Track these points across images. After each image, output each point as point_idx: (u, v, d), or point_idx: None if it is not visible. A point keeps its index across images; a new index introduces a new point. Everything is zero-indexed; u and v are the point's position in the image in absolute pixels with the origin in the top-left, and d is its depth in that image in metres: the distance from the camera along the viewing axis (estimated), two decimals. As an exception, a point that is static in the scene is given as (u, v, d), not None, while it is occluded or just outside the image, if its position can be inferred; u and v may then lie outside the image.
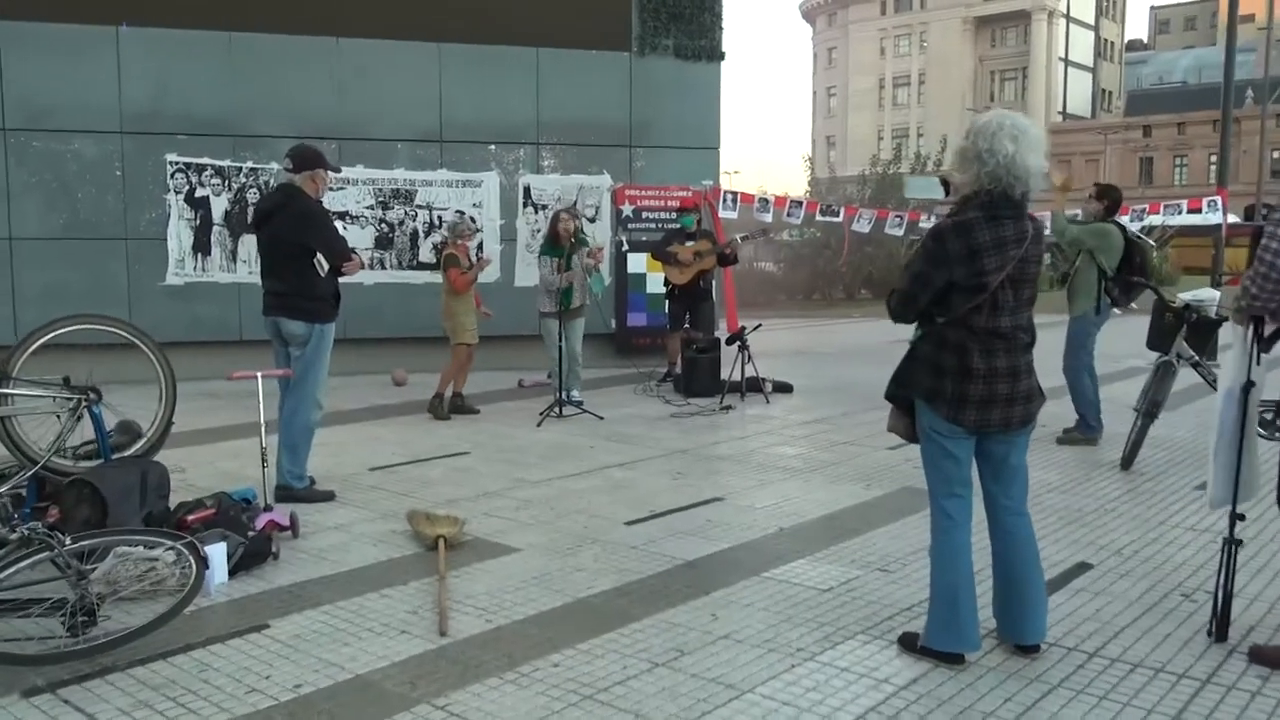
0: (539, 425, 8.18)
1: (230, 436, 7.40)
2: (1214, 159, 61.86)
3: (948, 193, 3.69)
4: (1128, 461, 6.48)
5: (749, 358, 9.56)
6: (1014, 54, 70.44)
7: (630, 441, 7.53)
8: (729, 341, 9.70)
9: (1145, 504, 5.66)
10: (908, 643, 3.60)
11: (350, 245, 5.83)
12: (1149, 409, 6.46)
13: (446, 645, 3.65)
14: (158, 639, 3.58)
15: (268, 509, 4.95)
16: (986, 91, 70.52)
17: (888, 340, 15.99)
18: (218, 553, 4.22)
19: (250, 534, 4.56)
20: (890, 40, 74.75)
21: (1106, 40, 75.37)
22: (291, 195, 5.51)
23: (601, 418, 8.45)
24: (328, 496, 5.73)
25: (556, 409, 8.52)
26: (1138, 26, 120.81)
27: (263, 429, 5.04)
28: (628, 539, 4.96)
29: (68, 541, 3.68)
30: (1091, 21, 72.55)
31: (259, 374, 5.00)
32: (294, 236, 5.44)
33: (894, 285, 3.64)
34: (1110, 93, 74.76)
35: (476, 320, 8.82)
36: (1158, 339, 6.58)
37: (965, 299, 3.34)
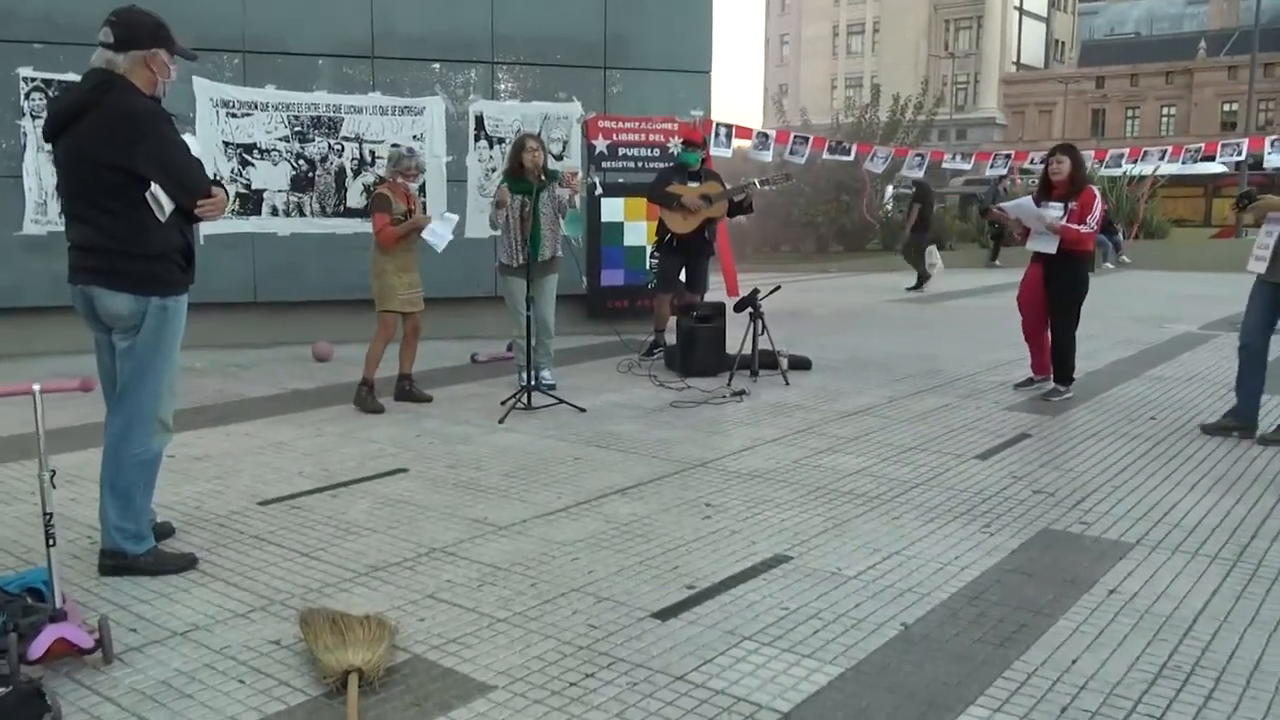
0: (501, 421, 6.19)
1: (88, 443, 5.31)
2: (1166, 111, 61.65)
3: None
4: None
5: (763, 327, 7.64)
6: (969, 2, 68.81)
7: (627, 448, 5.57)
8: (738, 308, 7.75)
9: None
10: None
11: (209, 171, 3.71)
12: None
13: None
14: None
15: (56, 616, 2.92)
16: (941, 40, 69.07)
17: (884, 300, 14.18)
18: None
19: (10, 681, 2.54)
20: (845, -15, 73.03)
21: (1061, -11, 74.30)
22: (107, 88, 3.39)
23: (583, 410, 6.48)
24: (184, 564, 3.70)
25: (523, 398, 6.53)
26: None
27: (45, 480, 3.00)
28: (666, 655, 3.02)
29: None
30: (1046, -31, 71.33)
31: (36, 387, 2.94)
32: (112, 155, 3.34)
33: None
34: (1063, 43, 73.94)
35: (418, 281, 6.73)
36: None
37: None
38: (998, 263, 20.06)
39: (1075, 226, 6.65)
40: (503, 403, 6.54)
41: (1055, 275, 6.82)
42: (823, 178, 23.75)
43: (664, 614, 3.31)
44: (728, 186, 8.34)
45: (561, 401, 6.56)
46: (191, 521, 4.28)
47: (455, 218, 6.89)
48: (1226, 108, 58.57)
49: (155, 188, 3.37)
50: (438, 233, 6.58)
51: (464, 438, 5.82)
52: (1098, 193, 6.85)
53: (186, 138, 3.57)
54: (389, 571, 3.70)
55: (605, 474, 5.03)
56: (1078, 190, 6.74)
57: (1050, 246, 6.77)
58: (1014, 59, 68.90)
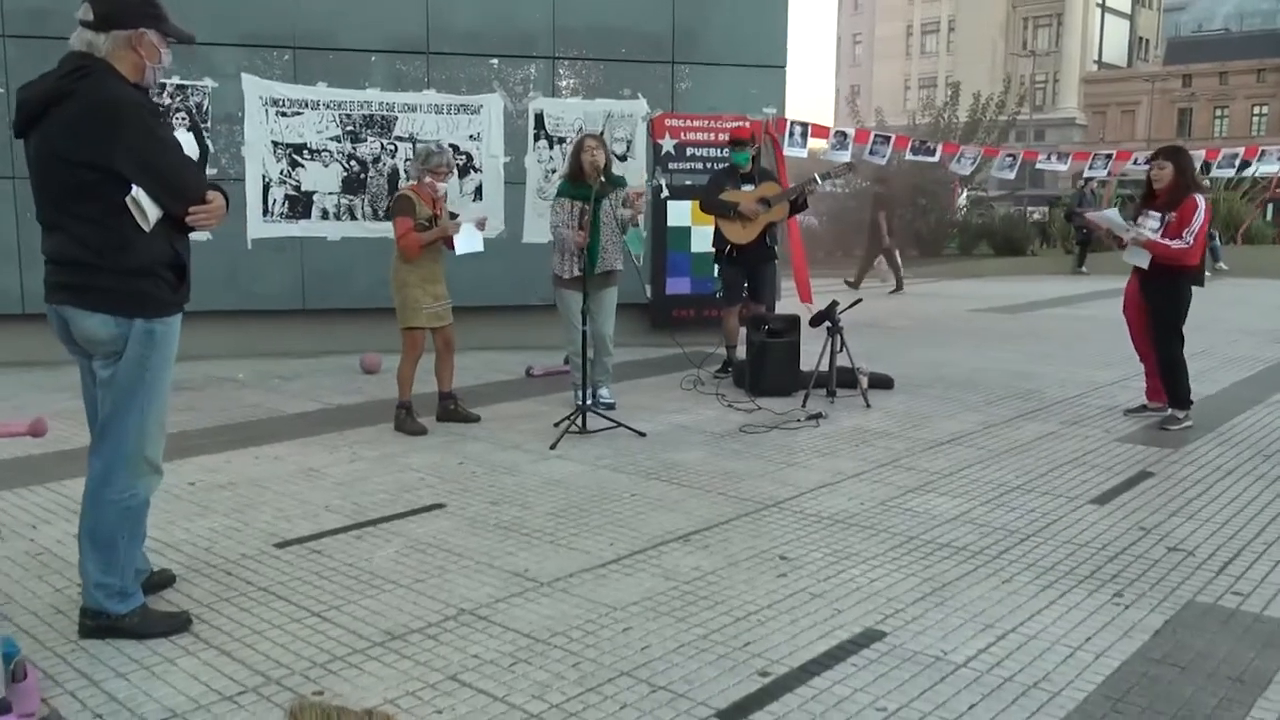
0: (553, 447, 5.64)
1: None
2: (1258, 110, 59.09)
3: None
4: None
5: (842, 343, 6.99)
6: (1049, -1, 66.90)
7: (690, 482, 4.98)
8: (814, 322, 7.10)
9: None
10: None
11: (203, 173, 3.16)
12: None
13: None
14: None
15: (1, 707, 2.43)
16: (1019, 38, 67.28)
17: (966, 309, 13.37)
18: None
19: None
20: (920, -17, 71.65)
21: (1145, -15, 72.00)
22: (83, 74, 2.90)
23: (643, 434, 5.90)
24: (175, 626, 3.19)
25: (578, 420, 5.97)
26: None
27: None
28: (735, 771, 2.43)
29: None
30: (1129, -35, 69.12)
31: (-25, 432, 2.43)
32: (86, 152, 2.85)
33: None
34: (1147, 41, 71.64)
35: (445, 293, 6.17)
36: None
37: None
38: (1084, 269, 19.04)
39: (1166, 242, 5.91)
40: (556, 425, 6.00)
41: (1151, 292, 6.15)
42: (898, 180, 22.86)
43: (732, 713, 2.71)
44: (785, 186, 7.69)
45: (619, 425, 5.99)
46: (197, 567, 3.79)
47: (483, 215, 6.34)
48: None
49: (137, 191, 2.87)
50: (469, 243, 6.05)
51: (511, 466, 5.27)
52: (1202, 203, 6.04)
53: (179, 135, 3.06)
54: (408, 640, 3.16)
55: (665, 515, 4.45)
56: (1179, 199, 5.99)
57: (1142, 261, 6.08)
58: (1095, 57, 66.86)
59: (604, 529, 4.25)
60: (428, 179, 6.02)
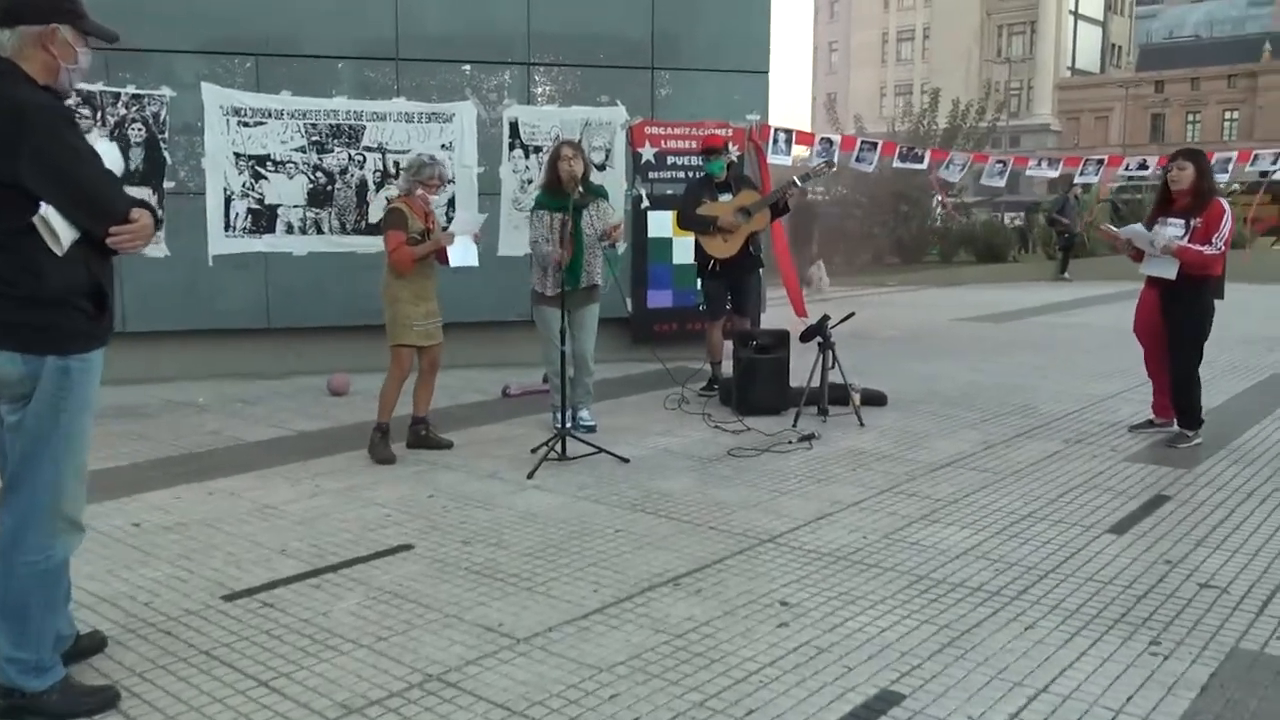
0: (530, 476, 5.28)
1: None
2: (1229, 115, 59.56)
3: None
4: None
5: (834, 360, 6.66)
6: (1022, 6, 67.29)
7: (678, 515, 4.63)
8: (805, 337, 6.78)
9: None
10: None
11: (125, 189, 2.76)
12: None
13: None
14: None
15: None
16: (994, 45, 67.58)
17: (950, 319, 13.08)
18: None
19: None
20: (895, -9, 72.08)
21: (1118, -8, 72.68)
22: (-16, 75, 2.54)
23: (626, 460, 5.55)
24: (100, 704, 2.80)
25: (557, 446, 5.61)
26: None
27: None
28: None
29: None
30: (1102, -27, 69.74)
31: None
32: (-15, 166, 2.50)
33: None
34: (1120, 47, 72.24)
35: (437, 310, 5.87)
36: None
37: None
38: (1067, 275, 18.83)
39: (1198, 248, 5.60)
40: (533, 450, 5.65)
41: (1173, 303, 5.78)
42: (880, 187, 22.66)
43: (737, 802, 2.37)
44: (763, 192, 7.37)
45: (601, 450, 5.63)
46: (134, 626, 3.40)
47: (476, 224, 5.99)
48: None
49: (46, 209, 2.50)
50: (463, 255, 5.70)
51: (485, 499, 4.90)
52: (1227, 206, 5.80)
53: (99, 145, 2.69)
54: (365, 715, 2.79)
55: (653, 554, 4.09)
56: (1203, 203, 5.70)
57: (1169, 271, 5.71)
58: (1069, 64, 67.34)
59: (586, 571, 3.90)
60: (419, 191, 5.69)
